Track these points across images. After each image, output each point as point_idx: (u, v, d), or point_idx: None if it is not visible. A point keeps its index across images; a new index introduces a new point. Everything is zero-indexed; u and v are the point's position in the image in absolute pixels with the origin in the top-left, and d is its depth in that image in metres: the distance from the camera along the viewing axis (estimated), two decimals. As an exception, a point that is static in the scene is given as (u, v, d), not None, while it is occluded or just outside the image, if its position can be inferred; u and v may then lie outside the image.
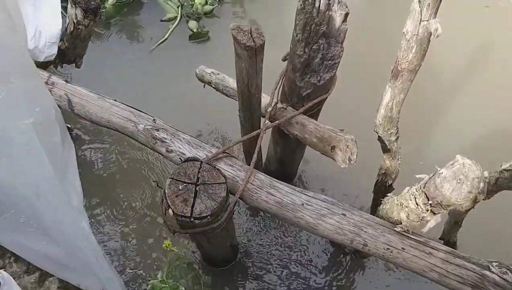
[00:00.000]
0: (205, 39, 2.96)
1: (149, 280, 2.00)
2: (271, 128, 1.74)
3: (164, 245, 1.85)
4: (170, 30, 2.94)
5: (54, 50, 1.87)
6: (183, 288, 2.00)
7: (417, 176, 1.24)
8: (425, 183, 1.17)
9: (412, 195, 1.23)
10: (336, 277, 2.12)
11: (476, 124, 2.60)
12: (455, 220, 1.89)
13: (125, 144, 2.44)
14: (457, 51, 2.90)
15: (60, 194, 1.62)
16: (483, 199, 1.71)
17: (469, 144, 2.49)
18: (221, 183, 1.37)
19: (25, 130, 1.50)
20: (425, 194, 1.17)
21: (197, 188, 1.35)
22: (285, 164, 2.13)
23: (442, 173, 1.09)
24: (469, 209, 1.78)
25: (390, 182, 1.89)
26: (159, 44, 2.90)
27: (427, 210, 1.20)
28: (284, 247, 2.21)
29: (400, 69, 1.41)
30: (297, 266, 2.14)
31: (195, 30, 2.91)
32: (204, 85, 2.10)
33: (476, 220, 1.92)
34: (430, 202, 1.16)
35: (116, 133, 1.81)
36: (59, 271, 1.88)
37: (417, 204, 1.22)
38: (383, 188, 1.92)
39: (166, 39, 2.92)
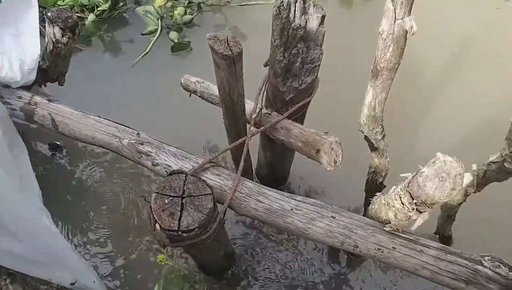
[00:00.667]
0: (187, 50, 2.95)
1: (146, 294, 1.99)
2: (258, 134, 1.73)
3: (158, 260, 1.84)
4: (152, 42, 2.93)
5: (33, 76, 1.88)
6: (180, 300, 2.00)
7: (402, 175, 1.24)
8: (409, 182, 1.16)
9: (397, 195, 1.22)
10: (333, 278, 2.12)
11: (468, 118, 2.60)
12: (448, 214, 1.89)
13: (116, 159, 2.43)
14: (450, 49, 2.91)
15: (15, 192, 1.58)
16: (473, 192, 1.71)
17: (463, 138, 2.48)
18: (207, 194, 1.36)
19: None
20: (409, 193, 1.16)
21: (183, 201, 1.34)
22: (276, 168, 2.13)
23: (424, 171, 1.09)
24: (461, 203, 1.78)
25: (380, 180, 1.88)
26: (141, 57, 2.88)
27: (413, 209, 1.19)
28: (280, 250, 2.20)
29: (379, 68, 1.41)
30: (294, 269, 2.13)
31: (176, 40, 2.90)
32: (190, 94, 2.10)
33: (470, 213, 1.92)
34: (414, 201, 1.15)
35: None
36: (29, 268, 1.84)
37: (402, 204, 1.21)
38: (374, 186, 1.91)
39: (147, 52, 2.91)
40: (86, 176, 2.38)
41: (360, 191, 2.03)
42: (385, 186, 1.92)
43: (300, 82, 1.54)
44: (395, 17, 1.26)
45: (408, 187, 1.16)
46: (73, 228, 2.19)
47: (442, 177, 1.07)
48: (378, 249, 1.39)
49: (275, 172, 2.16)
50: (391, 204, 1.30)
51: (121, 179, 2.38)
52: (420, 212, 1.20)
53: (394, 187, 1.33)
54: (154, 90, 2.73)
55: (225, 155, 1.69)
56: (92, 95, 2.62)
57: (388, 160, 1.80)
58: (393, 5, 1.24)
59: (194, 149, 2.43)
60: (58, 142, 2.40)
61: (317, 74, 1.56)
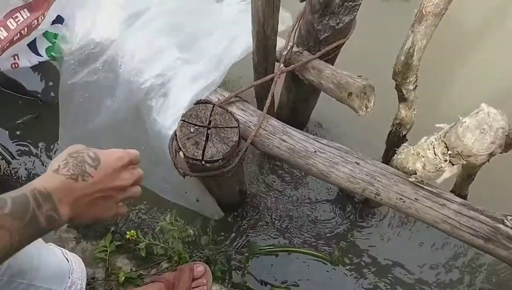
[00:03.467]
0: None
1: (158, 223, 2.02)
2: (284, 74, 1.68)
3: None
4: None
5: None
6: (191, 231, 2.03)
7: (437, 125, 1.20)
8: (446, 132, 1.13)
9: (431, 144, 1.19)
10: (343, 225, 2.14)
11: (495, 79, 2.51)
12: (468, 173, 1.85)
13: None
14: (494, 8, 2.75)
15: None
16: (499, 153, 1.67)
17: (487, 99, 2.40)
18: (233, 127, 1.34)
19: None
20: (445, 143, 1.13)
21: (209, 131, 1.32)
22: (297, 111, 2.09)
23: (465, 122, 1.05)
24: (484, 163, 1.74)
25: (404, 132, 1.84)
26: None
27: (445, 160, 1.17)
28: (292, 193, 2.21)
29: (424, 13, 1.33)
30: (304, 212, 2.16)
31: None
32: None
33: (490, 175, 1.89)
34: (449, 152, 1.12)
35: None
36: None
37: (435, 154, 1.18)
38: (396, 138, 1.88)
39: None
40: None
41: (378, 142, 1.99)
42: (407, 140, 1.88)
43: (338, 21, 1.46)
44: (451, -43, 1.18)
45: (444, 137, 1.13)
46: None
47: (483, 129, 1.04)
48: (400, 198, 1.38)
49: (295, 115, 2.12)
50: (421, 154, 1.27)
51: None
52: (452, 164, 1.18)
53: (425, 137, 1.30)
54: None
55: (247, 93, 1.64)
56: None
57: (415, 112, 1.75)
58: None
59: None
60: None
61: (355, 15, 1.49)
